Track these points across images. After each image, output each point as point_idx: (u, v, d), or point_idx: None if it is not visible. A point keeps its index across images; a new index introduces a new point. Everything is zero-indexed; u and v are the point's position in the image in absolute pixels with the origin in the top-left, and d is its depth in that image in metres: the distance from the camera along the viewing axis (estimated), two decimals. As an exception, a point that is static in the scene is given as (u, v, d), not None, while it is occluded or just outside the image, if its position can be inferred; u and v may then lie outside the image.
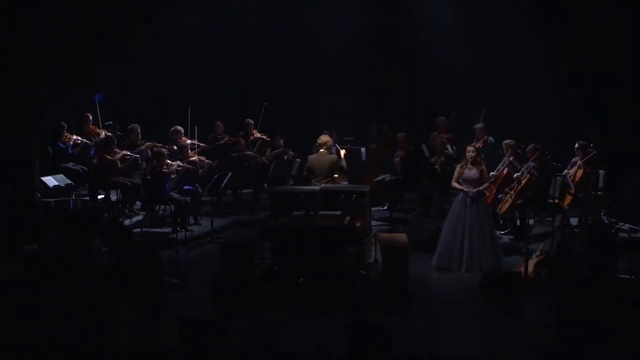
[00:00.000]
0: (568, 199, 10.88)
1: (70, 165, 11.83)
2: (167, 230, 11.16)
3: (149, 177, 11.31)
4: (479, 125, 12.79)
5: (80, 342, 6.64)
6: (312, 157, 10.64)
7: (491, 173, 10.39)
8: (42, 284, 8.00)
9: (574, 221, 10.06)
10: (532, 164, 10.89)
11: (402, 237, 9.02)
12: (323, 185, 10.08)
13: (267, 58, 15.37)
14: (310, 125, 14.56)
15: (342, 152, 10.86)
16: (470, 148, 9.87)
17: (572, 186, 11.05)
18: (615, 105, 12.38)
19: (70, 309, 7.50)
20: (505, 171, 11.11)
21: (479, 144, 12.02)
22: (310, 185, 10.29)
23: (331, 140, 10.94)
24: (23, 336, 6.91)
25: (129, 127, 12.57)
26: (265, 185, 13.25)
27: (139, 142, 12.38)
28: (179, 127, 12.70)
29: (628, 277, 8.46)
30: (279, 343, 6.67)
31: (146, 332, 7.24)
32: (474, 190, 9.61)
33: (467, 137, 12.62)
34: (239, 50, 14.93)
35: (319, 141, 10.62)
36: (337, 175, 10.51)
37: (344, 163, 10.66)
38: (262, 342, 6.57)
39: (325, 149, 10.50)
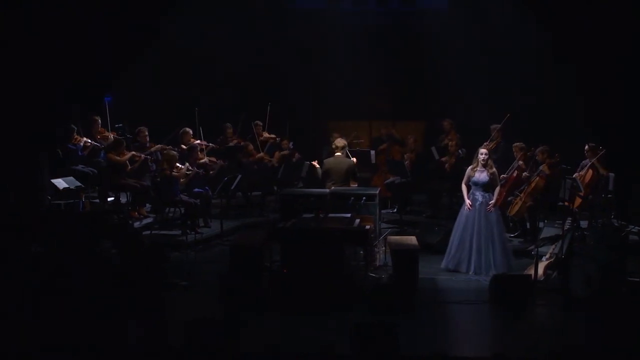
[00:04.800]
0: (578, 201, 10.82)
1: (80, 167, 11.85)
2: (177, 232, 11.19)
3: (158, 180, 11.34)
4: (496, 126, 12.58)
5: (88, 342, 6.65)
6: (329, 161, 10.47)
7: (501, 176, 10.35)
8: (50, 285, 8.02)
9: (584, 224, 10.02)
10: (542, 166, 10.86)
11: (412, 239, 9.01)
12: (333, 187, 10.07)
13: (274, 58, 15.35)
14: (319, 127, 14.59)
15: (354, 159, 10.80)
16: (483, 150, 9.73)
17: (582, 188, 10.99)
18: (626, 107, 12.29)
19: (78, 310, 7.52)
20: (515, 174, 11.06)
21: (492, 145, 11.80)
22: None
23: (346, 144, 10.74)
24: (29, 337, 6.93)
25: (137, 129, 12.60)
26: (275, 188, 13.26)
27: (147, 145, 12.42)
28: (188, 129, 12.71)
29: (638, 279, 8.43)
30: (286, 342, 6.67)
31: (153, 333, 7.25)
32: (487, 208, 9.55)
33: (468, 135, 12.65)
34: (245, 52, 14.92)
35: (335, 144, 10.47)
36: (355, 185, 10.46)
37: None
38: (269, 341, 6.56)
39: (341, 153, 10.39)
